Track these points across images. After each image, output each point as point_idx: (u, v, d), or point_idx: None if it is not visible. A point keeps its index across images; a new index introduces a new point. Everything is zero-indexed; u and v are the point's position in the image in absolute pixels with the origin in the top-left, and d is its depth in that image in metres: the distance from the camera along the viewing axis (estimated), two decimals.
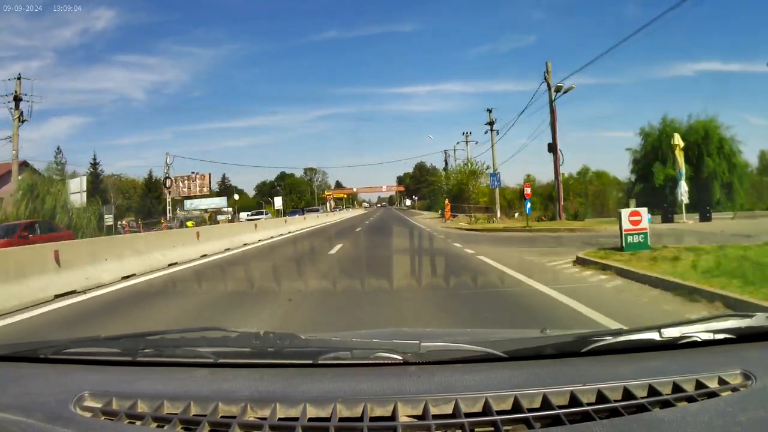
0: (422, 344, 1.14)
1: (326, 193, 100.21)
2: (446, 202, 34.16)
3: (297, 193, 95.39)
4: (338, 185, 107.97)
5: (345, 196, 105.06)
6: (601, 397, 0.96)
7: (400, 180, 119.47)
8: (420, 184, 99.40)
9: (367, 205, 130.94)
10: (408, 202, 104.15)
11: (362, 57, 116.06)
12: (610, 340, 1.18)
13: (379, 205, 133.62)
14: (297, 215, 38.71)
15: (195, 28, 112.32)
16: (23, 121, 23.95)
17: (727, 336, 1.21)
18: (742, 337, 1.21)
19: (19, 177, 24.91)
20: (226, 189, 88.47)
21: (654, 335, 1.18)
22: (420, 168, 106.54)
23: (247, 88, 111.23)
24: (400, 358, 1.13)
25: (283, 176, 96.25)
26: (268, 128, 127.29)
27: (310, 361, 1.15)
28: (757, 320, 1.23)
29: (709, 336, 1.20)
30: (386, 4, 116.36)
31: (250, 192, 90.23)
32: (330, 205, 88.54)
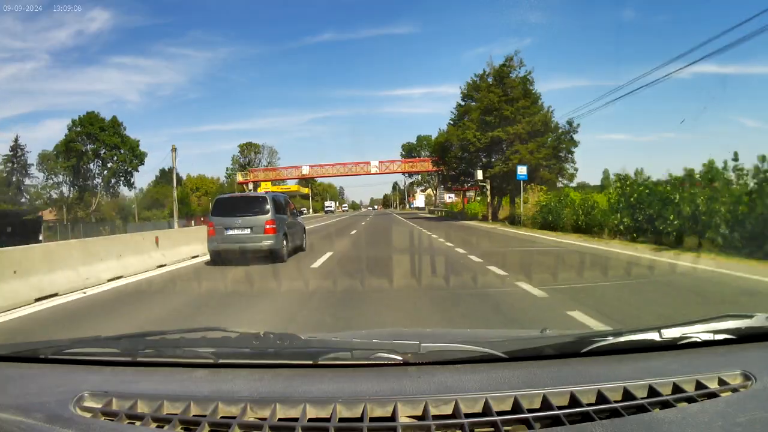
0: (422, 345, 1.14)
1: (242, 177, 52.64)
2: None
3: (97, 156, 43.38)
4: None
5: (306, 190, 62.26)
6: (601, 398, 0.96)
7: (410, 151, 60.96)
8: (506, 124, 25.79)
9: (329, 206, 76.88)
10: (421, 202, 48.38)
11: (356, 59, 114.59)
12: (610, 340, 1.18)
13: (369, 208, 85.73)
14: None
15: (190, 31, 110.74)
16: None
17: (727, 336, 1.21)
18: (742, 337, 1.21)
19: None
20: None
21: (654, 336, 1.19)
22: (500, 74, 27.22)
23: (241, 90, 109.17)
24: (400, 358, 1.13)
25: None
26: (264, 130, 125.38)
27: (310, 362, 1.15)
28: (757, 320, 1.23)
29: (709, 336, 1.20)
30: (380, 7, 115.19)
31: None
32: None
